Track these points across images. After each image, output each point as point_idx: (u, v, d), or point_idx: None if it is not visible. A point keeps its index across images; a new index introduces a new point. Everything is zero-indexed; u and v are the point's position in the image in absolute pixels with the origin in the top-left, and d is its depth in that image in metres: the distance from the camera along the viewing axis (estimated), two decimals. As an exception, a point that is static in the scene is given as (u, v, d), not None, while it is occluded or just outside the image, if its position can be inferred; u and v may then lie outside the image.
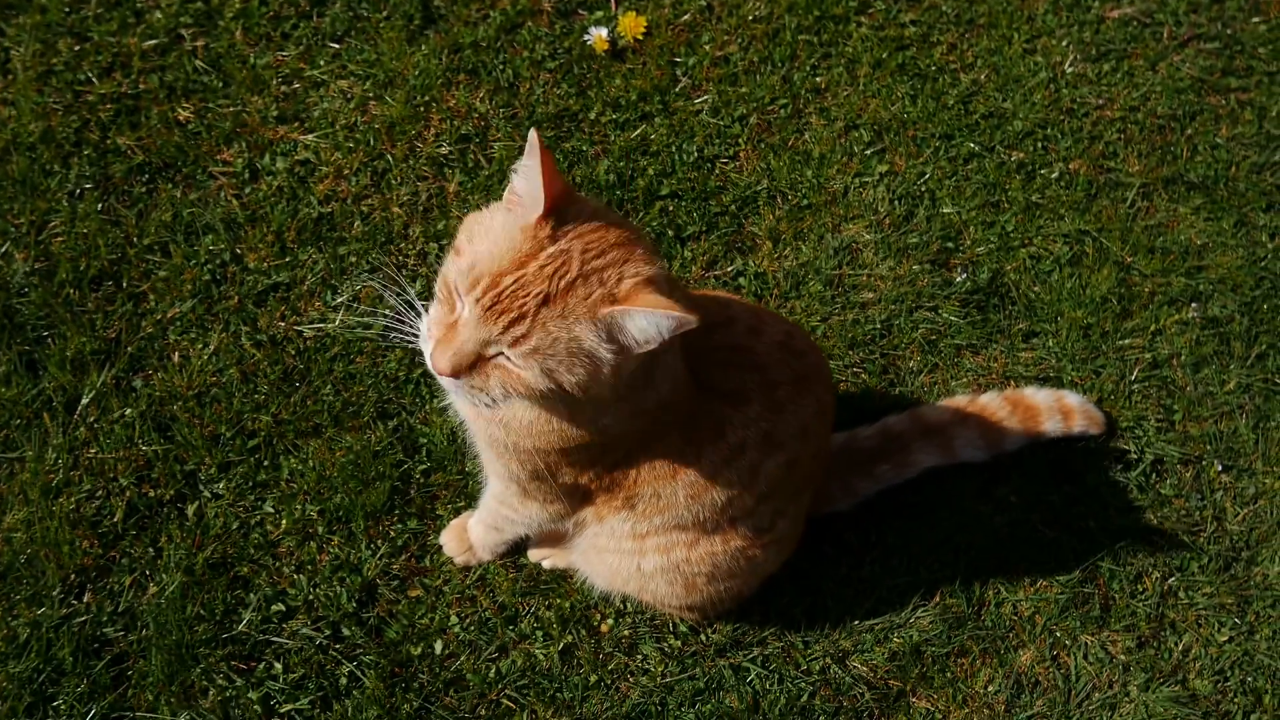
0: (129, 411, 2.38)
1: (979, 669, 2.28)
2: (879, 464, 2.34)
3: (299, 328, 2.51)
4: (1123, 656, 2.32)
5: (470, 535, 2.24)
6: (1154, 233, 2.83)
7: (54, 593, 2.19)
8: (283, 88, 2.85)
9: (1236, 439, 2.56)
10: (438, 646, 2.21)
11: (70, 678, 2.12)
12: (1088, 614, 2.35)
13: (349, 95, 2.84)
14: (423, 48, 2.92)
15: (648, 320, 1.46)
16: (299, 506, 2.32)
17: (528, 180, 1.49)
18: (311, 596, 2.24)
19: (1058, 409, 2.45)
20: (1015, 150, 2.94)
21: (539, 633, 2.24)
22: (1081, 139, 2.97)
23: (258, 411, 2.41)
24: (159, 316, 2.50)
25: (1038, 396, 2.45)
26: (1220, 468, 2.53)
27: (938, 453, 2.37)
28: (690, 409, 1.77)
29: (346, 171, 2.73)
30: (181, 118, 2.77)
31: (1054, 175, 2.90)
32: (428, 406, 2.43)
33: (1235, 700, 2.29)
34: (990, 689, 2.27)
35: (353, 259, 2.61)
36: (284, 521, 2.30)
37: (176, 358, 2.46)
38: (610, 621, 2.27)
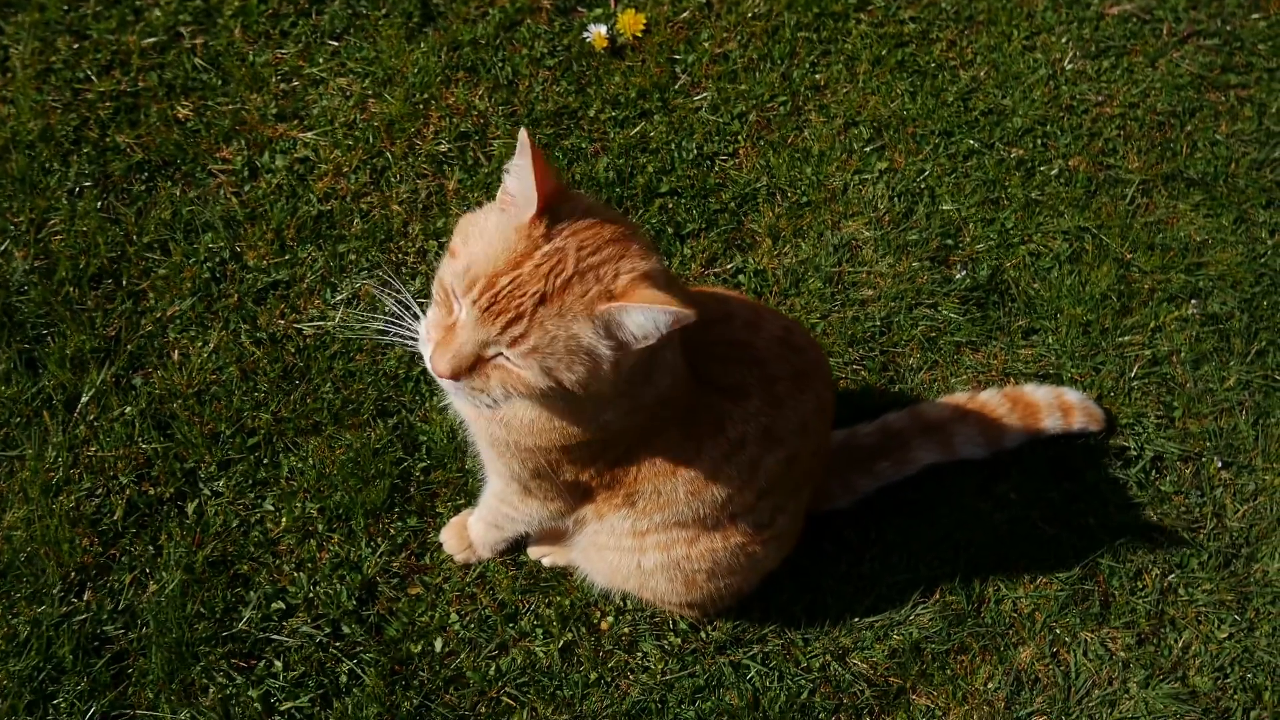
0: (129, 409, 2.38)
1: (979, 666, 2.29)
2: (879, 461, 2.34)
3: (299, 325, 2.51)
4: (1122, 653, 2.32)
5: (470, 533, 2.24)
6: (1154, 229, 2.83)
7: (54, 591, 2.19)
8: (282, 85, 2.85)
9: (1236, 436, 2.56)
10: (438, 644, 2.21)
11: (70, 676, 2.12)
12: (1087, 611, 2.35)
13: (348, 93, 2.84)
14: (422, 45, 2.92)
15: (645, 315, 1.45)
16: (299, 504, 2.32)
17: (520, 180, 1.49)
18: (311, 594, 2.24)
19: (1057, 406, 2.45)
20: (1015, 147, 2.94)
21: (539, 630, 2.24)
22: (1081, 136, 2.97)
23: (258, 409, 2.41)
24: (159, 314, 2.50)
25: (1037, 393, 2.45)
26: (1220, 464, 2.53)
27: (937, 450, 2.37)
28: (690, 404, 1.77)
29: (346, 169, 2.73)
30: (181, 115, 2.77)
31: (1054, 172, 2.90)
32: (427, 404, 2.43)
33: (1235, 697, 2.30)
34: (990, 686, 2.27)
35: (352, 257, 2.61)
36: (284, 519, 2.30)
37: (176, 356, 2.46)
38: (610, 619, 2.27)
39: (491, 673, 2.20)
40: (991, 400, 2.42)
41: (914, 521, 2.40)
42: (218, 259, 2.58)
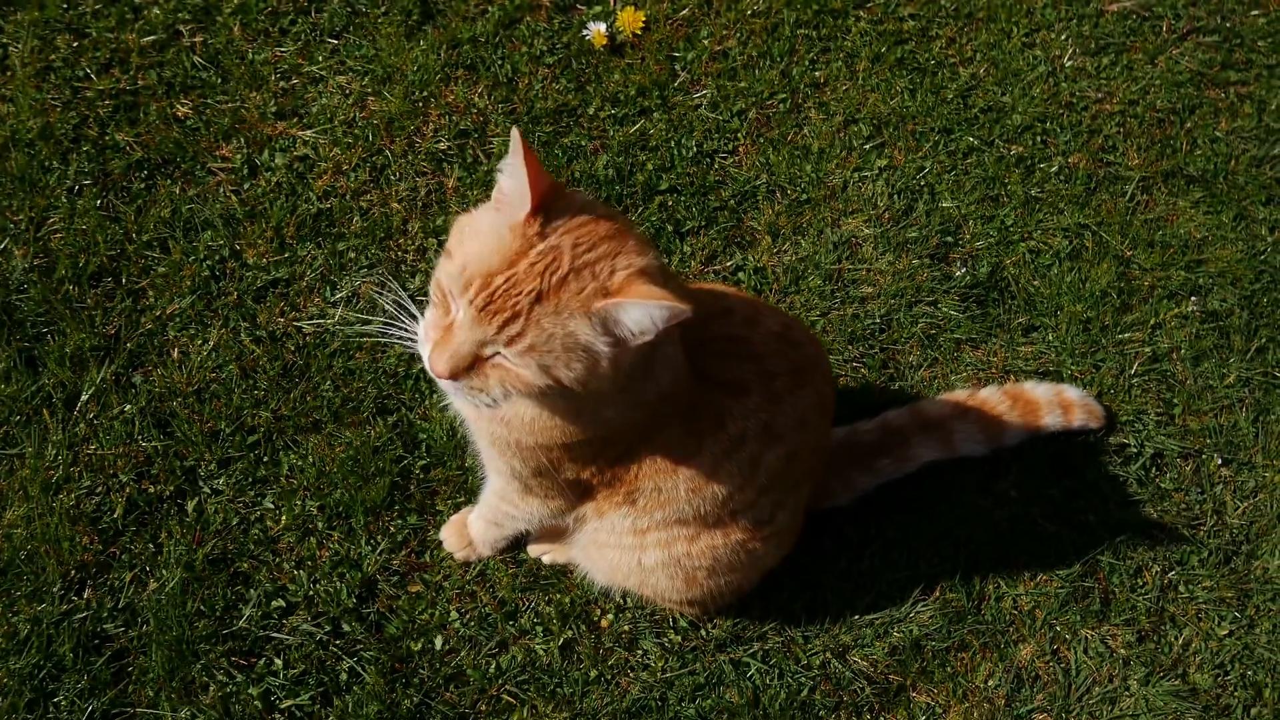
0: (129, 408, 2.38)
1: (979, 663, 2.29)
2: (879, 458, 2.34)
3: (298, 324, 2.51)
4: (1123, 650, 2.32)
5: (470, 531, 2.24)
6: (1153, 226, 2.83)
7: (54, 589, 2.19)
8: (281, 83, 2.84)
9: (1236, 433, 2.56)
10: (438, 642, 2.21)
11: (71, 674, 2.12)
12: (1088, 608, 2.35)
13: (347, 91, 2.84)
14: (421, 43, 2.92)
15: (642, 311, 1.45)
16: (299, 502, 2.32)
17: (513, 179, 1.49)
18: (312, 592, 2.24)
19: (1057, 403, 2.45)
20: (1014, 144, 2.94)
21: (539, 628, 2.24)
22: (1081, 133, 2.97)
23: (257, 407, 2.41)
24: (158, 313, 2.50)
25: (1037, 391, 2.45)
26: (1220, 461, 2.53)
27: (937, 447, 2.37)
28: (690, 400, 1.77)
29: (345, 167, 2.73)
30: (180, 114, 2.77)
31: (1053, 169, 2.90)
32: (427, 402, 2.43)
33: (1235, 694, 2.30)
34: (990, 683, 2.27)
35: (352, 255, 2.61)
36: (284, 517, 2.30)
37: (176, 354, 2.46)
38: (610, 617, 2.27)
39: (492, 670, 2.20)
40: (992, 397, 2.42)
41: (914, 519, 2.40)
42: (217, 257, 2.58)
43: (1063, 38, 3.13)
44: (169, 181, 2.68)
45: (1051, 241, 2.78)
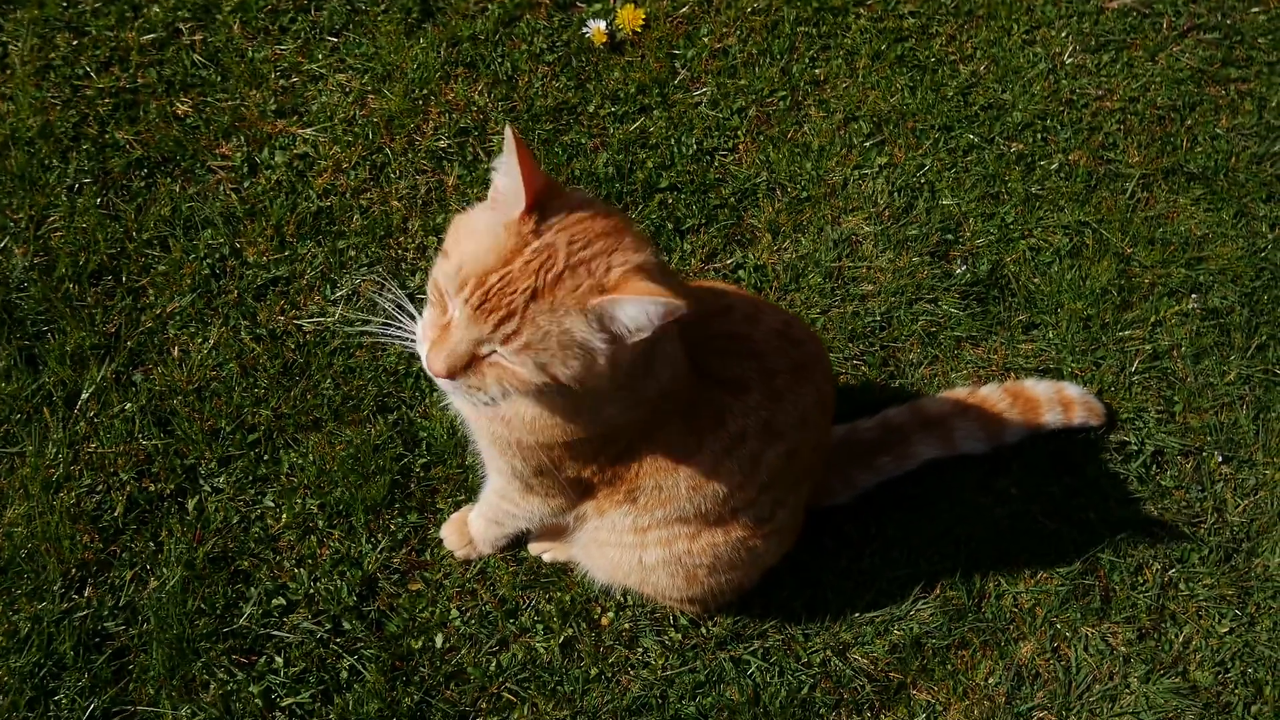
0: (129, 406, 2.38)
1: (979, 661, 2.29)
2: (879, 456, 2.34)
3: (298, 322, 2.51)
4: (1123, 648, 2.32)
5: (471, 529, 2.24)
6: (1154, 224, 2.83)
7: (55, 587, 2.19)
8: (281, 82, 2.84)
9: (1237, 430, 2.56)
10: (438, 640, 2.21)
11: (71, 672, 2.12)
12: (1088, 606, 2.35)
13: (347, 89, 2.84)
14: (421, 41, 2.92)
15: (637, 308, 1.45)
16: (299, 501, 2.32)
17: (508, 177, 1.48)
18: (312, 590, 2.24)
19: (1058, 401, 2.45)
20: (1015, 142, 2.94)
21: (539, 626, 2.24)
22: (1081, 130, 2.97)
23: (258, 406, 2.41)
24: (158, 311, 2.50)
25: (1038, 388, 2.45)
26: (1220, 459, 2.53)
27: (938, 444, 2.37)
28: (690, 398, 1.77)
29: (345, 165, 2.72)
30: (180, 112, 2.77)
31: (1054, 166, 2.90)
32: (428, 400, 2.43)
33: (1236, 691, 2.30)
34: (991, 681, 2.27)
35: (352, 253, 2.61)
36: (284, 516, 2.30)
37: (176, 352, 2.46)
38: (611, 615, 2.27)
39: (492, 668, 2.20)
40: (992, 395, 2.42)
41: (914, 516, 2.40)
42: (217, 255, 2.58)
43: (1063, 35, 3.13)
44: (169, 180, 2.67)
45: (1052, 239, 2.78)
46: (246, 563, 2.26)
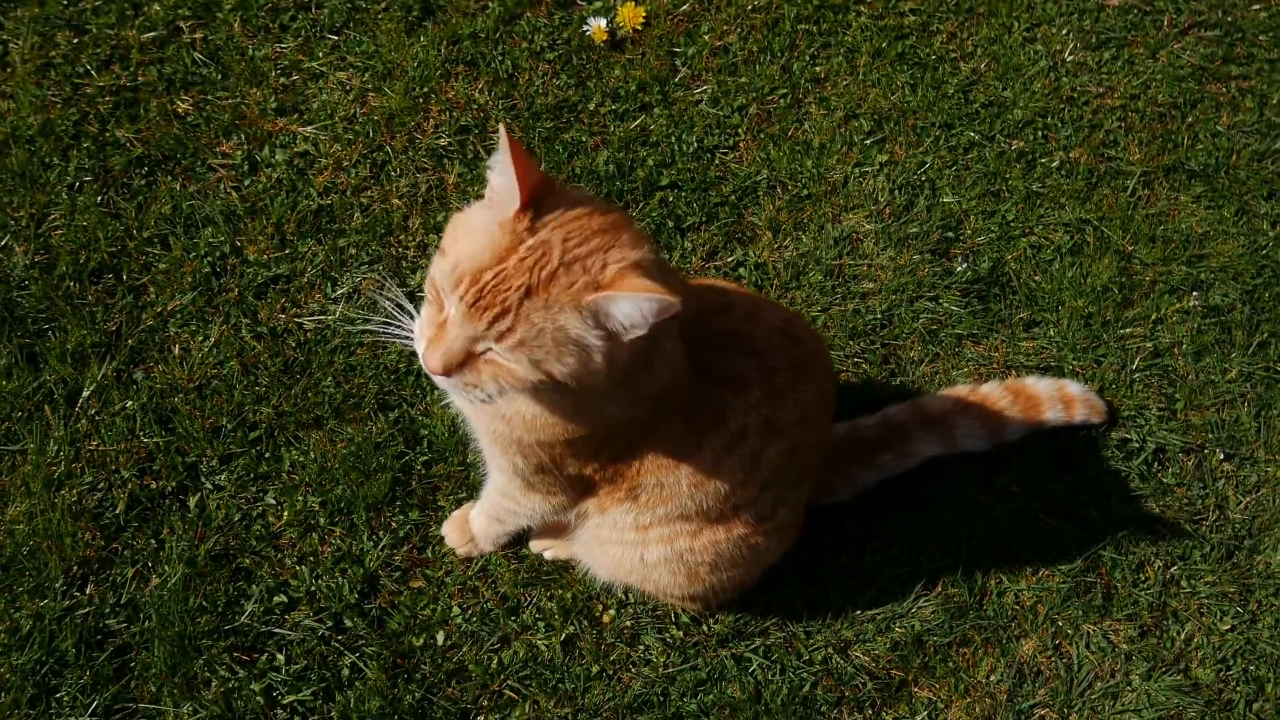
0: (130, 404, 2.38)
1: (981, 658, 2.29)
2: (880, 453, 2.34)
3: (299, 320, 2.51)
4: (1125, 645, 2.32)
5: (472, 526, 2.24)
6: (1155, 221, 2.83)
7: (56, 585, 2.19)
8: (281, 80, 2.84)
9: (1238, 427, 2.56)
10: (440, 637, 2.22)
11: (73, 669, 2.12)
12: (1090, 603, 2.35)
13: (348, 87, 2.84)
14: (421, 39, 2.92)
15: (631, 304, 1.44)
16: (301, 498, 2.32)
17: (502, 176, 1.49)
18: (314, 588, 2.24)
19: (1059, 398, 2.44)
20: (1015, 139, 2.94)
21: (541, 624, 2.24)
22: (1082, 127, 2.97)
23: (259, 403, 2.41)
24: (159, 309, 2.50)
25: (1039, 386, 2.45)
26: (1222, 456, 2.53)
27: (939, 442, 2.37)
28: (691, 396, 1.77)
29: (346, 163, 2.72)
30: (180, 110, 2.77)
31: (1054, 164, 2.90)
32: (429, 398, 2.43)
33: (1237, 689, 2.30)
34: (992, 678, 2.27)
35: (352, 251, 2.61)
36: (286, 513, 2.30)
37: (177, 350, 2.46)
38: (612, 612, 2.27)
39: (494, 666, 2.20)
40: (993, 393, 2.42)
41: (915, 514, 2.40)
42: (218, 253, 2.58)
43: (1064, 32, 3.13)
44: (169, 178, 2.67)
45: (1053, 236, 2.78)
46: (248, 560, 2.26)
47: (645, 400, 1.70)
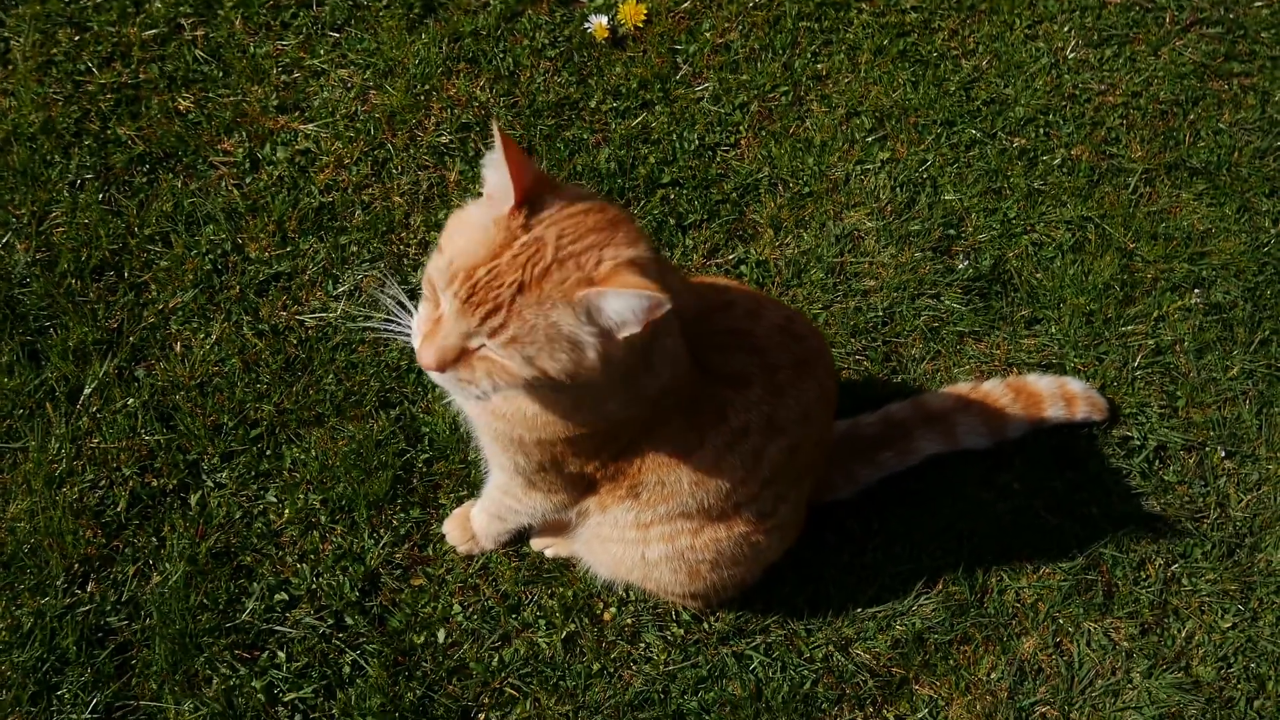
0: (131, 401, 2.38)
1: (982, 656, 2.29)
2: (881, 451, 2.34)
3: (301, 317, 2.51)
4: (1126, 643, 2.32)
5: (473, 524, 2.24)
6: (1156, 219, 2.83)
7: (58, 582, 2.19)
8: (283, 77, 2.84)
9: (1240, 425, 2.56)
10: (441, 635, 2.22)
11: (74, 667, 2.12)
12: (1091, 601, 2.35)
13: (349, 84, 2.84)
14: (423, 36, 2.92)
15: (623, 301, 1.44)
16: (302, 496, 2.32)
17: (497, 172, 1.49)
18: (314, 585, 2.24)
19: (1060, 395, 2.44)
20: (1017, 136, 2.93)
21: (542, 621, 2.25)
22: (1084, 125, 2.97)
23: (260, 401, 2.41)
24: (161, 306, 2.50)
25: (1040, 383, 2.45)
26: (1223, 454, 2.53)
27: (940, 440, 2.37)
28: (692, 394, 1.76)
29: (347, 161, 2.72)
30: (182, 107, 2.77)
31: (1056, 161, 2.90)
32: (430, 395, 2.43)
33: (1239, 687, 2.29)
34: (993, 676, 2.27)
35: (354, 248, 2.61)
36: (287, 511, 2.30)
37: (178, 347, 2.46)
38: (613, 610, 2.27)
39: (494, 663, 2.20)
40: (994, 390, 2.42)
41: (917, 512, 2.40)
42: (219, 251, 2.58)
43: (1065, 29, 3.13)
44: (171, 175, 2.67)
45: (1054, 234, 2.78)
46: (249, 558, 2.26)
47: (646, 398, 1.70)
